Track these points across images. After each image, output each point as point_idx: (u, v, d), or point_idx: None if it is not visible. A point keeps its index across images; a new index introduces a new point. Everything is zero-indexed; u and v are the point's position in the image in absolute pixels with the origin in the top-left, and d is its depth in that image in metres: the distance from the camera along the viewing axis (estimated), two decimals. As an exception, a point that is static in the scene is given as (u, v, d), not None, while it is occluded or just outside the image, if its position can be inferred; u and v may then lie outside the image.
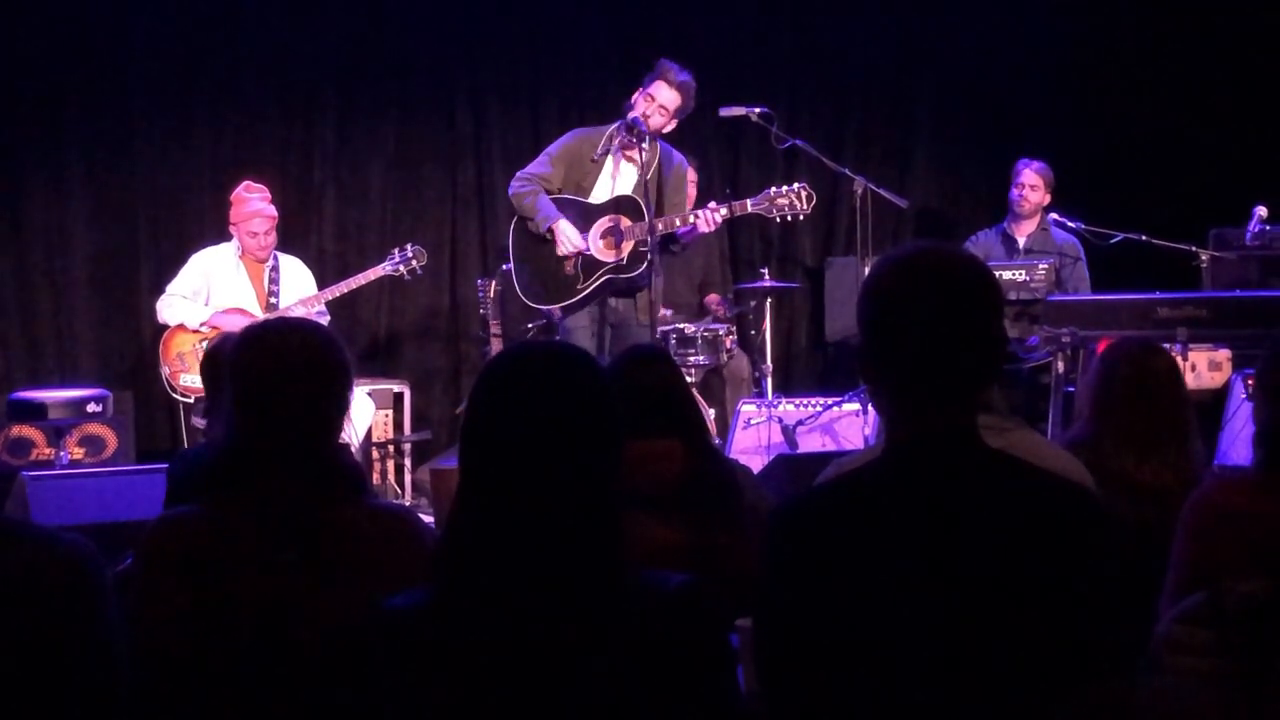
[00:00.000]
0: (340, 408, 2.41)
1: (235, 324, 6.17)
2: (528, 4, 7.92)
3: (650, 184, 5.82)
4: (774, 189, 5.95)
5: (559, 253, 5.91)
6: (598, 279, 5.91)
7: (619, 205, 5.94)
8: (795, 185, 5.94)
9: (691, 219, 5.81)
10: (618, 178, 6.02)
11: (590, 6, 7.92)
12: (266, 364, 2.35)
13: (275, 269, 6.59)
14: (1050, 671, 1.77)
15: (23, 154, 7.19)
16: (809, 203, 5.92)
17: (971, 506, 1.82)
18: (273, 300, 6.50)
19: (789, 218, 5.98)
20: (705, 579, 1.89)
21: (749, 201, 5.96)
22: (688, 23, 7.98)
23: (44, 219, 7.23)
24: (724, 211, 5.86)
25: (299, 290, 6.61)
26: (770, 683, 1.88)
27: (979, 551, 1.79)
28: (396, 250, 6.65)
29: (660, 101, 5.88)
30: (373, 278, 6.64)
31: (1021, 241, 7.12)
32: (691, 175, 6.65)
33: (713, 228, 5.88)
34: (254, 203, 6.49)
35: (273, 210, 6.55)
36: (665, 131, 6.00)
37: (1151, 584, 2.64)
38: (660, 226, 5.78)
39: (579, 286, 5.92)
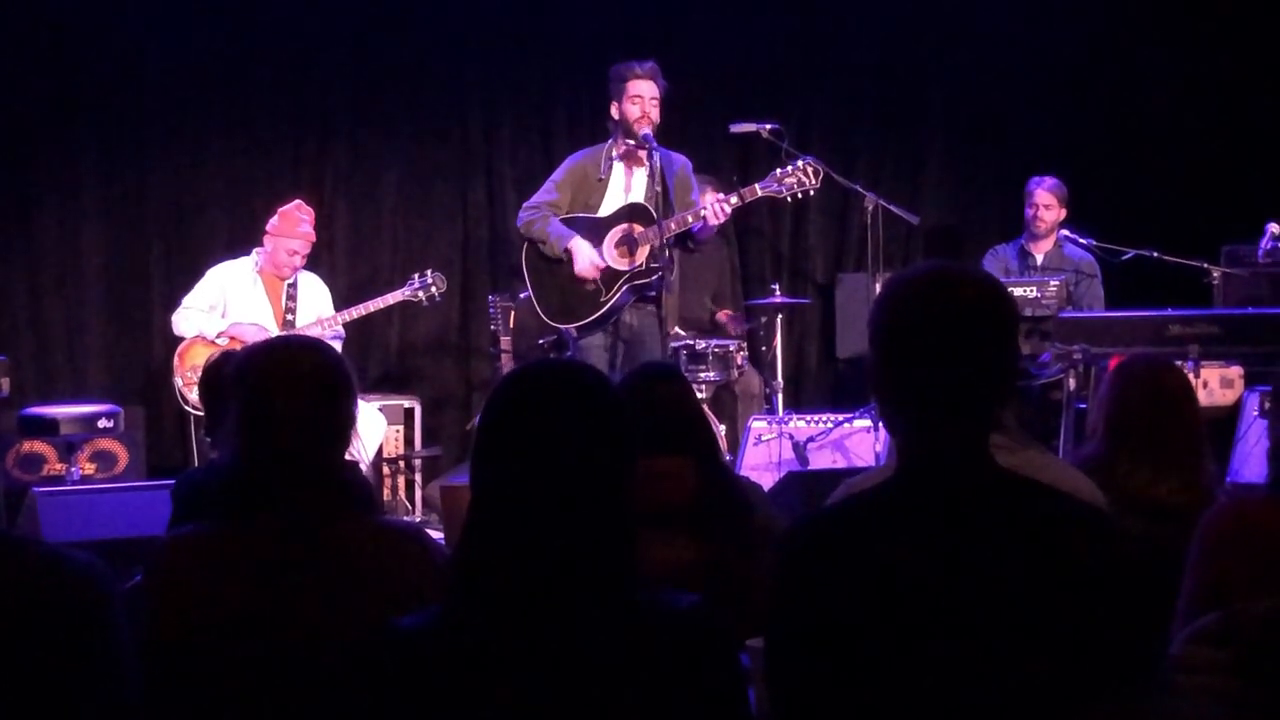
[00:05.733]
0: (345, 424, 2.41)
1: (254, 335, 6.18)
2: (539, 21, 7.94)
3: (657, 190, 5.79)
4: (779, 170, 5.90)
5: (577, 272, 5.87)
6: (619, 289, 5.88)
7: (629, 213, 5.92)
8: (800, 162, 5.89)
9: (702, 212, 5.79)
10: (623, 190, 6.01)
11: (602, 23, 7.93)
12: (271, 382, 2.35)
13: (294, 285, 6.61)
14: (1063, 691, 1.76)
15: (35, 169, 7.22)
16: (816, 178, 5.88)
17: (984, 526, 1.81)
18: (289, 317, 6.51)
19: (799, 195, 5.94)
20: (716, 599, 1.88)
21: (757, 186, 5.91)
22: (699, 40, 7.99)
23: (56, 234, 7.26)
24: (733, 200, 5.83)
25: (316, 307, 6.63)
26: (782, 703, 1.87)
27: (991, 572, 1.78)
28: (416, 276, 6.66)
29: (648, 95, 5.87)
30: (391, 302, 6.66)
31: (1039, 258, 7.11)
32: (711, 184, 6.64)
33: (722, 218, 5.81)
34: (305, 225, 6.57)
35: (314, 235, 6.63)
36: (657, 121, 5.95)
37: (1165, 603, 2.63)
38: (672, 226, 5.75)
39: (602, 300, 5.89)
